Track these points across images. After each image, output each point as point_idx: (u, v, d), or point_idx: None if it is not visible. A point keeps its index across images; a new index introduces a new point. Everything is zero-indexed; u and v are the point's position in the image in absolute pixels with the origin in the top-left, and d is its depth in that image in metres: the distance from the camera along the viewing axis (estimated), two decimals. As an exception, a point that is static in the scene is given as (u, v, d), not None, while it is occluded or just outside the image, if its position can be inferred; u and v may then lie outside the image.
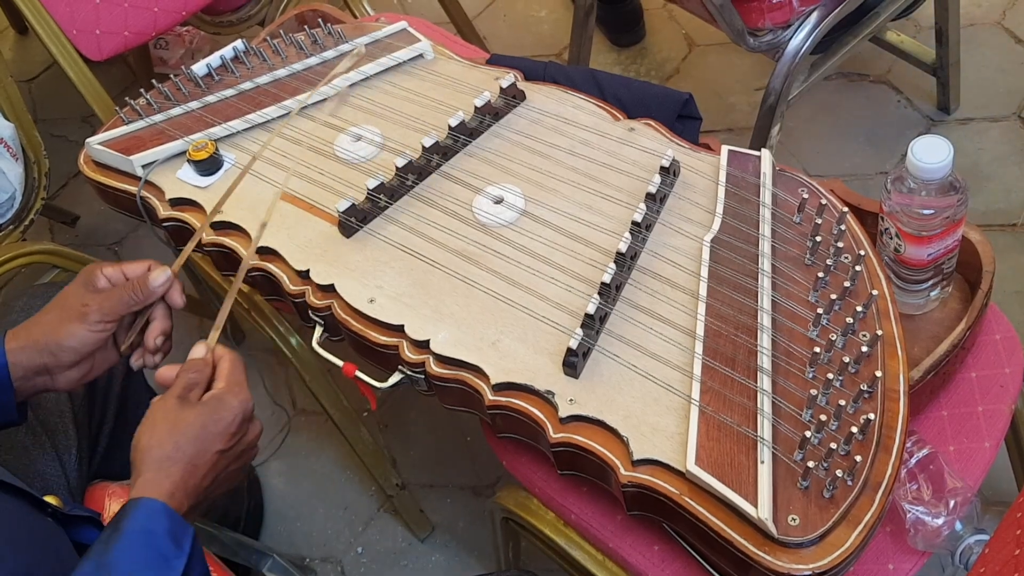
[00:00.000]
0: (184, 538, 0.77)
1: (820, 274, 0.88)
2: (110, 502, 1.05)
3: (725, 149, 1.01)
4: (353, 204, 0.99)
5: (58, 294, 0.92)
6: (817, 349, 0.82)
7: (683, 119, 1.10)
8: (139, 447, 0.81)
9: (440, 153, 1.05)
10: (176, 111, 1.15)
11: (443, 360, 0.89)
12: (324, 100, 1.16)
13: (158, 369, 0.89)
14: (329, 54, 1.20)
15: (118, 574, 0.74)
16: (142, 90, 1.18)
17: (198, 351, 0.88)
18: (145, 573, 0.75)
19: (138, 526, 0.76)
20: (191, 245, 0.98)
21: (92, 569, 0.74)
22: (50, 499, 0.88)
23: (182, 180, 1.09)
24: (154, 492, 0.78)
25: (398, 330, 0.92)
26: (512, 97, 1.11)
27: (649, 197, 0.96)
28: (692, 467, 0.77)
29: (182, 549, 0.76)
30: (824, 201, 0.94)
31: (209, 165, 1.08)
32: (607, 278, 0.89)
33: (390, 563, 1.51)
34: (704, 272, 0.90)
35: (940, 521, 0.89)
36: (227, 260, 1.05)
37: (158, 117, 1.15)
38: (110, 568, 0.74)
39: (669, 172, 0.99)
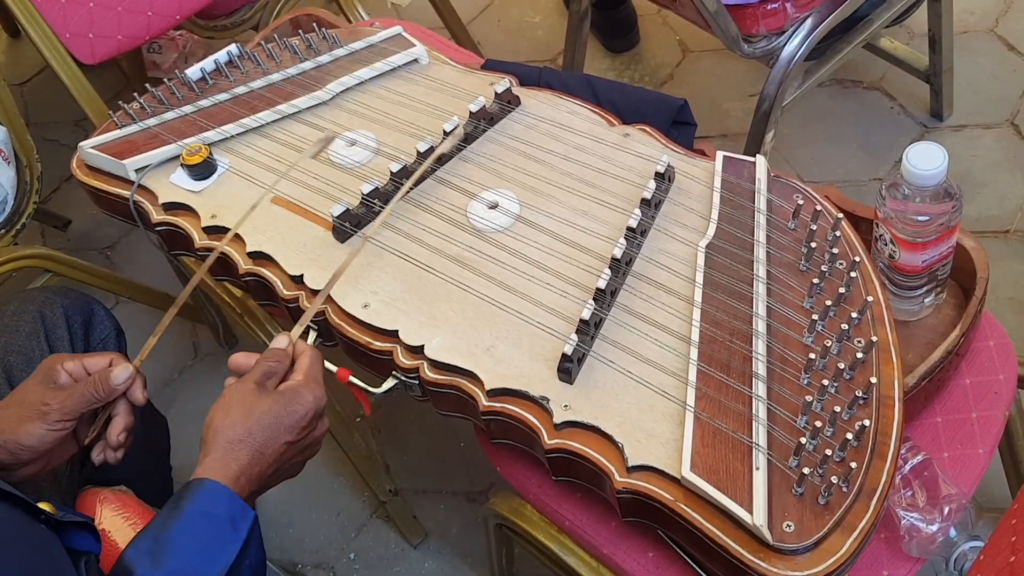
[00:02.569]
0: (243, 523, 0.78)
1: (815, 280, 0.88)
2: (102, 508, 1.05)
3: (720, 155, 1.01)
4: (347, 209, 0.99)
5: (17, 388, 0.91)
6: (812, 355, 0.82)
7: (678, 125, 1.11)
8: (212, 426, 0.81)
9: (435, 158, 1.05)
10: (170, 115, 1.15)
11: (437, 366, 0.89)
12: (320, 105, 1.15)
13: (232, 355, 0.88)
14: (324, 59, 1.20)
15: (173, 552, 0.75)
16: (135, 94, 1.17)
17: (280, 342, 0.88)
18: (199, 556, 0.76)
19: (199, 507, 0.77)
20: (153, 341, 0.94)
21: (149, 544, 0.76)
22: (43, 505, 0.88)
23: (175, 184, 1.09)
24: (220, 474, 0.79)
25: (392, 335, 0.92)
26: (507, 102, 1.10)
27: (644, 203, 0.96)
28: (687, 473, 0.77)
29: (239, 534, 0.78)
30: (819, 207, 0.94)
31: (203, 169, 1.08)
32: (602, 284, 0.89)
33: (383, 569, 1.51)
34: (699, 278, 0.90)
35: (934, 528, 0.89)
36: (221, 265, 1.04)
37: (152, 121, 1.15)
38: (166, 544, 0.75)
39: (664, 178, 0.99)
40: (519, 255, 0.96)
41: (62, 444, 0.91)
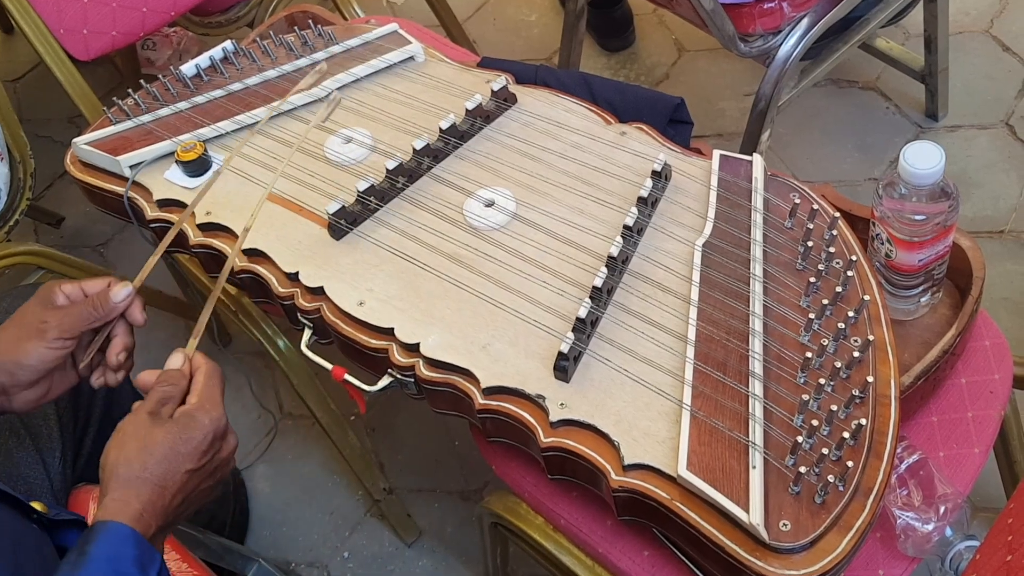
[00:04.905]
0: (151, 566, 0.75)
1: (812, 279, 0.88)
2: (94, 505, 1.04)
3: (717, 154, 1.01)
4: (343, 206, 0.99)
5: (15, 312, 0.89)
6: (809, 354, 0.82)
7: (675, 123, 1.10)
8: (107, 464, 0.79)
9: (431, 156, 1.05)
10: (164, 112, 1.15)
11: (433, 364, 0.89)
12: (315, 101, 1.15)
13: (139, 375, 0.86)
14: (319, 55, 1.20)
15: None
16: (130, 90, 1.17)
17: (175, 361, 0.86)
18: None
19: (104, 552, 0.74)
20: (153, 260, 0.94)
21: None
22: (35, 505, 0.87)
23: (170, 181, 1.08)
24: (122, 514, 0.76)
25: (388, 333, 0.91)
26: (503, 100, 1.10)
27: (641, 201, 0.96)
28: (683, 472, 0.77)
29: None
30: (816, 206, 0.94)
31: (197, 166, 1.07)
32: (598, 282, 0.88)
33: (377, 568, 1.51)
34: (696, 276, 0.90)
35: (930, 527, 0.89)
36: (215, 262, 1.04)
37: (146, 118, 1.14)
38: None
39: (661, 176, 0.99)
40: (515, 253, 0.95)
41: (62, 370, 0.90)
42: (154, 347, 1.72)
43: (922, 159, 0.88)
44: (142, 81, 1.19)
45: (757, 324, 0.86)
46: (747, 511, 0.74)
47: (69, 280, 0.91)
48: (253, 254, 1.00)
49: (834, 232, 0.91)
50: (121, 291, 0.89)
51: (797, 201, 0.94)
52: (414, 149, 1.03)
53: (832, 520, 0.75)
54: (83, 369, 0.91)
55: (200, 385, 0.84)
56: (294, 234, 1.01)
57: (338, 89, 1.16)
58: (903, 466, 0.91)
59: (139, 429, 0.80)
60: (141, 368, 0.88)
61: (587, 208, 0.99)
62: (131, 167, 1.09)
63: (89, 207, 1.18)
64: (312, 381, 1.36)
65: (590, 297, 0.88)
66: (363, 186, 1.00)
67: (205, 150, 1.07)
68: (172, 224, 1.06)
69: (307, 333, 0.97)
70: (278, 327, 1.31)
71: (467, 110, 1.07)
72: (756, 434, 0.78)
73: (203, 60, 1.20)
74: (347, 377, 0.92)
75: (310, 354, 0.96)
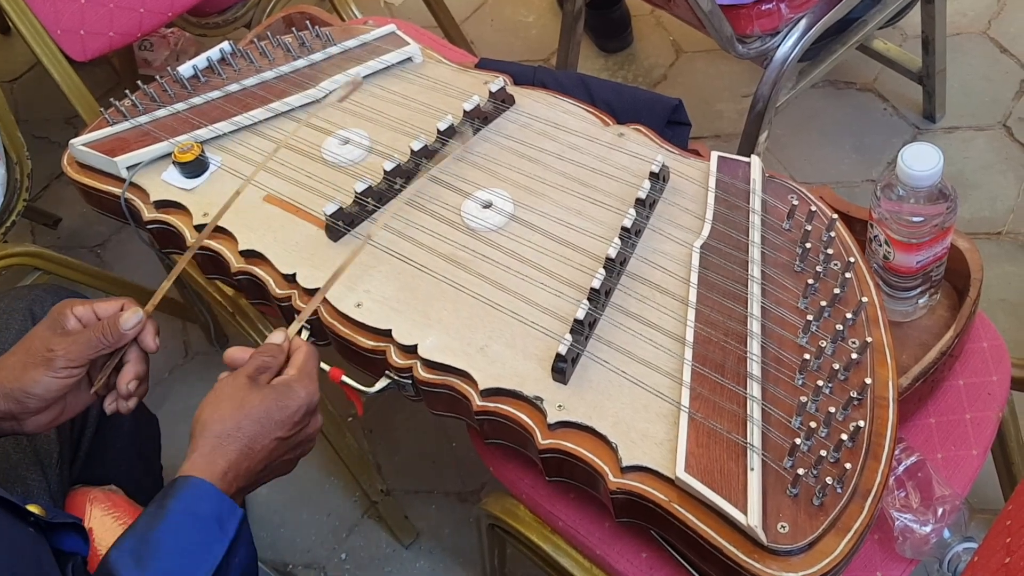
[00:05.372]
0: (230, 521, 0.77)
1: (810, 281, 0.88)
2: (92, 507, 1.04)
3: (715, 155, 1.01)
4: (340, 207, 0.98)
5: (26, 335, 0.88)
6: (807, 356, 0.82)
7: (673, 125, 1.10)
8: (200, 420, 0.80)
9: (429, 157, 1.05)
10: (161, 112, 1.14)
11: (431, 365, 0.89)
12: (314, 102, 1.15)
13: (228, 350, 0.86)
14: (317, 56, 1.19)
15: (158, 553, 0.74)
16: (127, 91, 1.17)
17: (276, 337, 0.87)
18: (185, 557, 0.74)
19: (184, 507, 0.75)
20: (166, 285, 0.93)
21: (133, 544, 0.74)
22: (33, 508, 0.87)
23: (167, 182, 1.08)
24: (207, 470, 0.77)
25: (385, 335, 0.91)
26: (501, 101, 1.10)
27: (639, 203, 0.96)
28: (681, 474, 0.77)
29: (226, 533, 0.76)
30: (814, 208, 0.94)
31: (195, 167, 1.07)
32: (597, 284, 0.88)
33: (374, 569, 1.50)
34: (694, 278, 0.90)
35: (928, 529, 0.89)
36: (213, 263, 1.04)
37: (143, 118, 1.14)
38: (151, 545, 0.74)
39: (659, 178, 0.99)
40: (513, 254, 0.95)
41: (76, 393, 0.89)
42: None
43: (920, 161, 0.88)
44: (139, 82, 1.18)
45: (755, 326, 0.85)
46: (745, 513, 0.74)
47: (81, 300, 0.89)
48: (250, 255, 1.00)
49: (832, 234, 0.91)
50: (131, 318, 0.87)
51: (795, 202, 0.94)
52: (412, 150, 1.03)
53: (830, 522, 0.75)
54: (94, 392, 0.90)
55: (300, 361, 0.85)
56: (291, 235, 1.00)
57: (336, 90, 1.16)
58: (901, 468, 0.91)
59: (237, 391, 0.81)
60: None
61: (585, 210, 0.99)
62: (128, 168, 1.09)
63: (86, 208, 1.18)
64: (309, 382, 1.35)
65: (588, 299, 0.88)
66: (361, 187, 1.00)
67: (202, 151, 1.07)
68: (170, 225, 1.06)
69: (304, 334, 0.97)
70: (275, 328, 1.30)
71: (465, 111, 1.07)
72: (754, 436, 0.78)
73: (200, 61, 1.20)
74: (344, 379, 0.92)
75: (308, 356, 0.96)
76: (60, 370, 0.85)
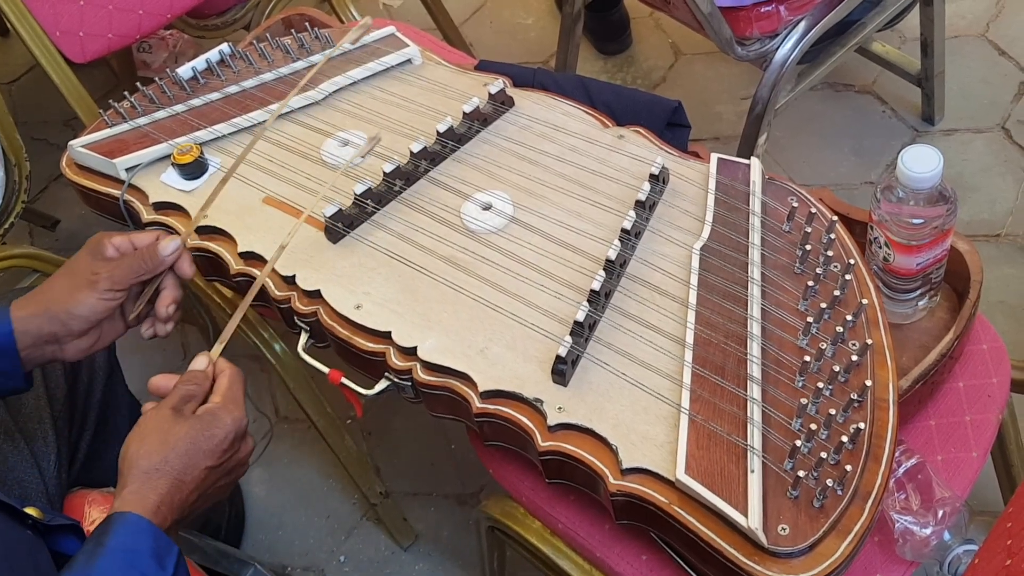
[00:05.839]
0: (168, 557, 0.76)
1: (810, 283, 0.87)
2: (90, 510, 1.04)
3: (715, 157, 1.01)
4: (340, 209, 0.98)
5: (65, 263, 0.92)
6: (807, 358, 0.82)
7: (672, 127, 1.10)
8: (127, 456, 0.80)
9: (428, 159, 1.05)
10: (160, 114, 1.14)
11: (431, 367, 0.88)
12: (313, 104, 1.15)
13: (152, 378, 0.87)
14: (316, 58, 1.19)
15: None
16: (126, 93, 1.16)
17: (199, 363, 0.87)
18: None
19: (121, 543, 0.75)
20: (192, 227, 0.98)
21: None
22: (30, 511, 0.87)
23: (166, 184, 1.08)
24: (139, 506, 0.77)
25: (385, 337, 0.91)
26: (501, 103, 1.10)
27: (639, 204, 0.96)
28: (682, 476, 0.77)
29: (165, 570, 0.75)
30: (813, 210, 0.94)
31: (194, 169, 1.07)
32: (596, 285, 0.88)
33: (373, 572, 1.50)
34: (694, 280, 0.90)
35: (928, 531, 0.89)
36: (212, 265, 1.03)
37: (142, 120, 1.14)
38: None
39: (658, 180, 0.99)
40: (513, 256, 0.95)
41: (111, 320, 0.93)
42: (147, 349, 1.71)
43: (921, 163, 0.88)
44: (138, 84, 1.18)
45: (755, 328, 0.85)
46: (745, 515, 0.74)
47: (118, 232, 0.93)
48: (250, 257, 1.00)
49: (832, 235, 0.91)
50: (170, 244, 0.92)
51: (795, 204, 0.94)
52: (411, 152, 1.03)
53: (831, 524, 0.74)
54: (132, 320, 0.94)
55: (224, 387, 0.85)
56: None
57: (335, 92, 1.16)
58: (901, 470, 0.91)
59: (161, 423, 0.81)
60: (141, 369, 0.88)
61: (585, 212, 0.99)
62: (127, 170, 1.09)
63: (85, 210, 1.18)
64: (308, 385, 1.35)
65: (588, 301, 0.88)
66: (360, 189, 1.00)
67: (201, 153, 1.07)
68: (169, 227, 1.05)
69: (304, 337, 0.97)
70: (274, 331, 1.30)
71: (464, 113, 1.07)
72: (754, 438, 0.78)
73: (199, 63, 1.20)
74: (344, 381, 0.92)
75: (307, 358, 0.96)
76: (104, 292, 0.89)
